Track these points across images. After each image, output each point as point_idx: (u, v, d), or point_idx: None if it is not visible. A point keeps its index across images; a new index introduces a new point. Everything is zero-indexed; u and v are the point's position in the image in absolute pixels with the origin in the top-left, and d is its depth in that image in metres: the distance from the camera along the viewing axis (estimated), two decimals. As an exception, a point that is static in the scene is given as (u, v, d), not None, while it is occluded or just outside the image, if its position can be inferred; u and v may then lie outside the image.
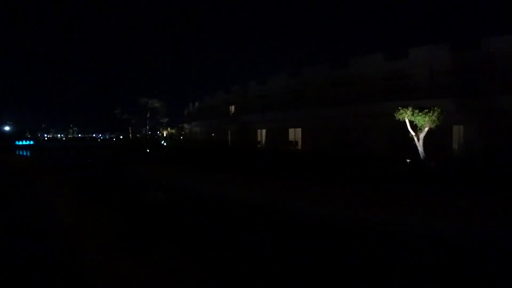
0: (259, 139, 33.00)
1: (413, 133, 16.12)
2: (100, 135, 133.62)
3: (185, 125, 50.91)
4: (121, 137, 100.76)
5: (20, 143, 70.42)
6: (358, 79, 27.00)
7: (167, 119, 71.91)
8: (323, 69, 29.14)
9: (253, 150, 29.21)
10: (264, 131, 32.47)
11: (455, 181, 10.57)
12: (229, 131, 36.61)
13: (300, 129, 29.15)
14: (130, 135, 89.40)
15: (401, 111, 15.90)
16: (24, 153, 44.82)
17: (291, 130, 30.00)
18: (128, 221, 7.70)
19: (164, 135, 58.09)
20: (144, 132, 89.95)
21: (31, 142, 77.36)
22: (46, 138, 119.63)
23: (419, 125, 15.75)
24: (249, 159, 19.94)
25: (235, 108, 38.22)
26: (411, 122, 16.00)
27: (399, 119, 16.17)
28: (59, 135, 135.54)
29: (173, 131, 50.43)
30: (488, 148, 19.71)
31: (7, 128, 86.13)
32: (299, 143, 28.94)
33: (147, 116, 63.47)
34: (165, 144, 45.07)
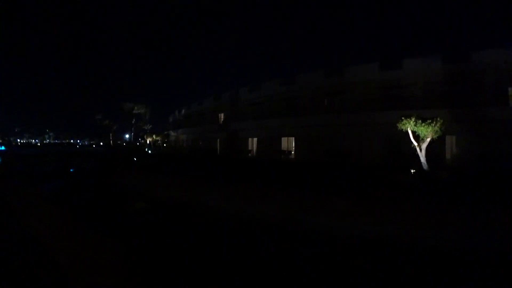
0: (250, 148, 32.04)
1: (415, 143, 15.79)
2: (78, 141, 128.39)
3: (171, 132, 49.29)
4: (101, 143, 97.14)
5: (-11, 149, 65.77)
6: (352, 87, 26.83)
7: (150, 126, 69.78)
8: (317, 77, 28.79)
9: (244, 159, 28.20)
10: (255, 139, 31.58)
11: (471, 192, 10.01)
12: (218, 140, 35.47)
13: (293, 138, 28.48)
14: (111, 141, 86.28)
15: (404, 121, 15.56)
16: (-7, 160, 41.52)
17: (284, 139, 29.28)
18: (124, 250, 6.52)
19: (148, 142, 55.92)
20: (128, 139, 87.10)
21: (2, 148, 72.57)
22: (19, 144, 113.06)
23: (421, 135, 15.47)
24: (242, 169, 18.93)
25: (224, 116, 37.21)
26: (413, 133, 15.72)
27: (402, 129, 15.82)
28: (33, 141, 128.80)
29: (158, 138, 48.57)
30: (480, 157, 19.92)
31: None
32: (293, 152, 28.21)
33: (132, 122, 60.95)
34: (149, 151, 43.25)
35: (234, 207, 9.93)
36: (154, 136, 48.64)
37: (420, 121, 15.20)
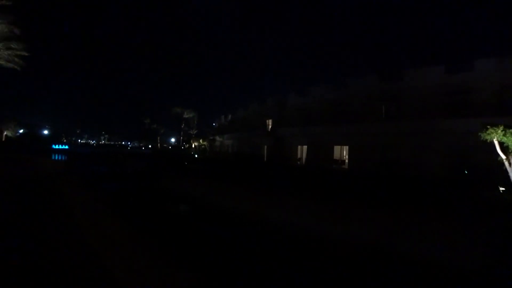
0: (299, 155, 30.98)
1: (503, 156, 13.62)
2: (128, 143, 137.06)
3: (217, 137, 49.99)
4: (149, 146, 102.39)
5: (56, 146, 73.16)
6: (412, 93, 24.63)
7: (196, 131, 71.74)
8: (372, 81, 27.00)
9: (294, 167, 27.24)
10: (305, 147, 30.45)
11: None
12: (265, 146, 34.90)
13: (347, 146, 26.85)
14: (159, 144, 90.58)
15: (490, 130, 13.50)
16: (58, 157, 45.22)
17: (336, 147, 27.77)
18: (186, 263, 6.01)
19: (193, 146, 57.39)
20: (174, 142, 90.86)
21: (66, 147, 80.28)
22: (79, 143, 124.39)
23: (511, 147, 13.32)
24: (297, 178, 17.97)
25: (271, 122, 36.63)
26: (500, 144, 13.61)
27: (486, 139, 13.78)
28: (91, 141, 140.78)
29: (204, 143, 49.53)
30: None
31: (45, 132, 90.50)
32: (346, 161, 26.58)
33: (182, 126, 63.08)
34: (196, 156, 44.16)
35: (303, 223, 8.92)
36: (201, 141, 49.69)
37: (511, 130, 13.08)
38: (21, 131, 72.40)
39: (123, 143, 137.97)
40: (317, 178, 18.00)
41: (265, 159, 34.44)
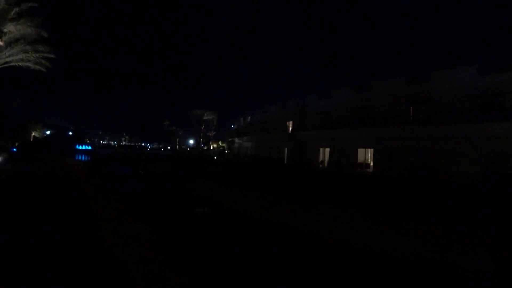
0: (321, 158, 30.38)
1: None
2: (148, 144, 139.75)
3: (236, 140, 49.98)
4: (168, 147, 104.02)
5: (80, 147, 75.69)
6: (441, 95, 23.56)
7: (214, 133, 72.25)
8: (397, 84, 26.07)
9: (317, 171, 26.67)
10: (327, 150, 29.81)
11: None
12: (285, 149, 34.48)
13: (372, 149, 26.05)
14: (177, 146, 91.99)
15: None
16: (82, 158, 46.39)
17: (360, 151, 27.01)
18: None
19: (211, 148, 57.70)
20: (192, 144, 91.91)
21: (89, 147, 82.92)
22: (101, 144, 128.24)
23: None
24: (325, 183, 17.42)
25: (292, 124, 36.20)
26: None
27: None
28: (112, 142, 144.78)
29: (223, 145, 49.63)
30: None
31: (70, 133, 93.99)
32: (371, 165, 25.78)
33: (202, 128, 63.51)
34: (215, 158, 44.28)
35: (345, 235, 8.32)
36: (220, 143, 49.83)
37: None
38: (47, 132, 75.31)
39: (143, 144, 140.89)
40: (345, 183, 17.42)
41: (285, 162, 34.00)
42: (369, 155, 26.55)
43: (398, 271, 6.74)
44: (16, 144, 55.02)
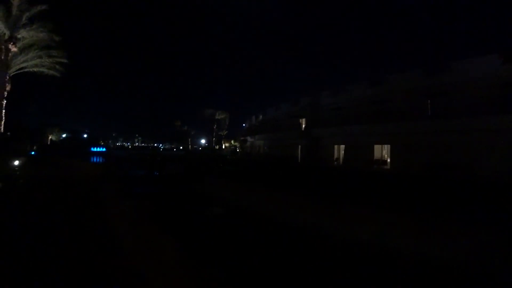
0: (335, 155, 29.74)
1: None
2: (160, 145, 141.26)
3: (248, 138, 49.71)
4: (180, 147, 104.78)
5: (94, 149, 77.04)
6: (463, 87, 22.52)
7: (226, 132, 72.15)
8: (414, 77, 25.12)
9: (332, 168, 26.08)
10: (342, 147, 29.16)
11: None
12: (299, 146, 33.95)
13: (388, 146, 25.25)
14: (190, 146, 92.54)
15: None
16: (97, 160, 46.92)
17: (377, 147, 26.25)
18: None
19: (223, 147, 57.62)
20: (205, 143, 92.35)
21: (104, 149, 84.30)
22: (116, 146, 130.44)
23: None
24: (346, 181, 16.84)
25: (305, 121, 35.59)
26: None
27: None
28: (125, 144, 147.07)
29: (236, 143, 49.47)
30: None
31: (84, 135, 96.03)
32: (388, 161, 25.00)
33: (214, 127, 63.44)
34: (227, 157, 44.13)
35: (378, 240, 7.66)
36: (232, 142, 49.68)
37: None
38: (63, 135, 77.04)
39: (155, 145, 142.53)
40: (365, 181, 16.80)
41: (298, 160, 33.50)
42: (385, 151, 25.76)
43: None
44: (35, 147, 56.56)
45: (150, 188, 19.10)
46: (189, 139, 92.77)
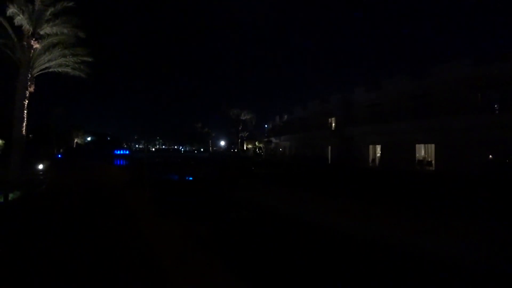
0: (371, 156, 27.51)
1: None
2: (181, 147, 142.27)
3: (273, 139, 47.96)
4: (201, 149, 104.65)
5: (118, 152, 78.11)
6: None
7: (247, 133, 70.71)
8: (462, 67, 22.52)
9: (370, 170, 23.96)
10: (378, 147, 26.91)
11: None
12: (329, 147, 31.91)
13: (433, 145, 22.78)
14: (211, 148, 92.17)
15: None
16: (121, 163, 46.67)
17: (419, 146, 23.82)
18: None
19: (245, 148, 56.23)
20: (225, 145, 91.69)
21: (127, 152, 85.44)
22: (138, 148, 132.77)
23: None
24: (393, 185, 14.90)
25: (336, 120, 33.47)
26: None
27: None
28: (149, 146, 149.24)
29: (261, 145, 47.94)
30: None
31: (108, 138, 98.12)
32: (433, 162, 22.53)
33: (240, 128, 61.47)
34: (253, 159, 42.64)
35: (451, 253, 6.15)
36: (256, 143, 48.18)
37: None
38: (88, 138, 78.63)
39: (176, 147, 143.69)
40: (414, 184, 14.76)
41: (329, 161, 31.46)
42: (429, 150, 23.29)
43: None
44: (61, 150, 57.76)
45: (186, 197, 16.12)
46: (210, 141, 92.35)
